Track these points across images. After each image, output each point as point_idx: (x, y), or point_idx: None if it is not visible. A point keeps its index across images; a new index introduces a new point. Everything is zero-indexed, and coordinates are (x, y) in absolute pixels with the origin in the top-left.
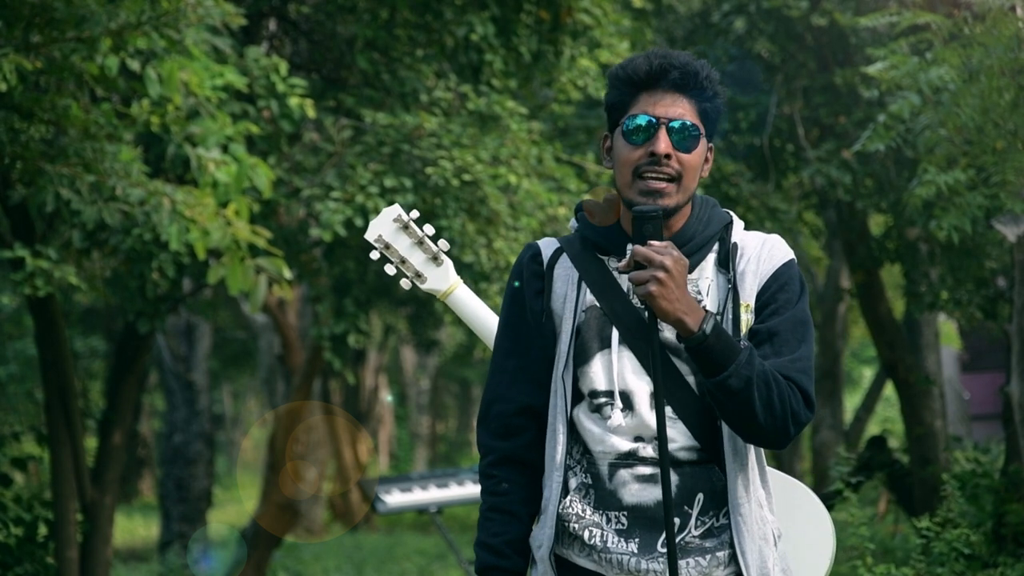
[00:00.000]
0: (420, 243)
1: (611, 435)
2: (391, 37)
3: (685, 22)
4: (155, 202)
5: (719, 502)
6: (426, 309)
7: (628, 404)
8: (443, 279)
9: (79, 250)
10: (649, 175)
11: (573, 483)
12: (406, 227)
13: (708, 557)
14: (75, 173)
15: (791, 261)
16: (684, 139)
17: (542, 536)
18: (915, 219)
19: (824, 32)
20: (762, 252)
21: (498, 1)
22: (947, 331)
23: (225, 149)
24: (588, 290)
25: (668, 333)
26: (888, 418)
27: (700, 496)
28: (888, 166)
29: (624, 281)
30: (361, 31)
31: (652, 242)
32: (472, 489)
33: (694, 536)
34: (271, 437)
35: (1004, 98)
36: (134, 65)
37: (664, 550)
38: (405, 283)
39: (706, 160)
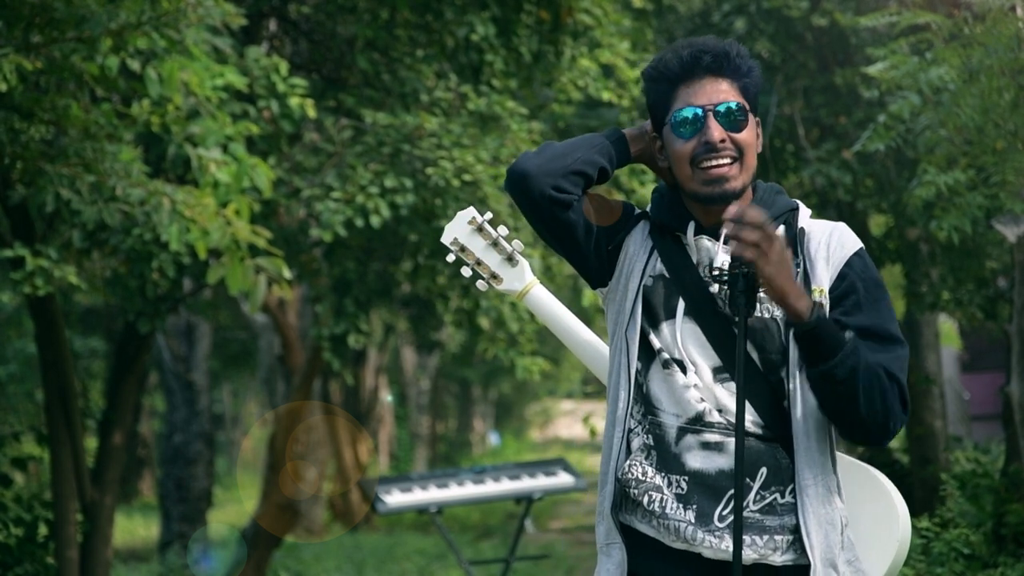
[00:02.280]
0: (495, 244)
1: (685, 392)
2: (391, 37)
3: (685, 22)
4: (155, 202)
5: (783, 479)
6: (427, 310)
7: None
8: (519, 279)
9: (79, 250)
10: (708, 163)
11: (636, 443)
12: (480, 229)
13: (766, 538)
14: (75, 173)
15: (862, 249)
16: (733, 120)
17: (604, 492)
18: (915, 219)
19: (824, 32)
20: (832, 239)
21: (498, 1)
22: (947, 331)
23: (225, 149)
24: (659, 260)
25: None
26: None
27: (763, 470)
28: (888, 166)
29: (695, 254)
30: (361, 31)
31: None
32: (472, 489)
33: (753, 511)
34: (271, 437)
35: (1004, 98)
36: (134, 65)
37: (722, 524)
38: (482, 284)
39: (756, 136)
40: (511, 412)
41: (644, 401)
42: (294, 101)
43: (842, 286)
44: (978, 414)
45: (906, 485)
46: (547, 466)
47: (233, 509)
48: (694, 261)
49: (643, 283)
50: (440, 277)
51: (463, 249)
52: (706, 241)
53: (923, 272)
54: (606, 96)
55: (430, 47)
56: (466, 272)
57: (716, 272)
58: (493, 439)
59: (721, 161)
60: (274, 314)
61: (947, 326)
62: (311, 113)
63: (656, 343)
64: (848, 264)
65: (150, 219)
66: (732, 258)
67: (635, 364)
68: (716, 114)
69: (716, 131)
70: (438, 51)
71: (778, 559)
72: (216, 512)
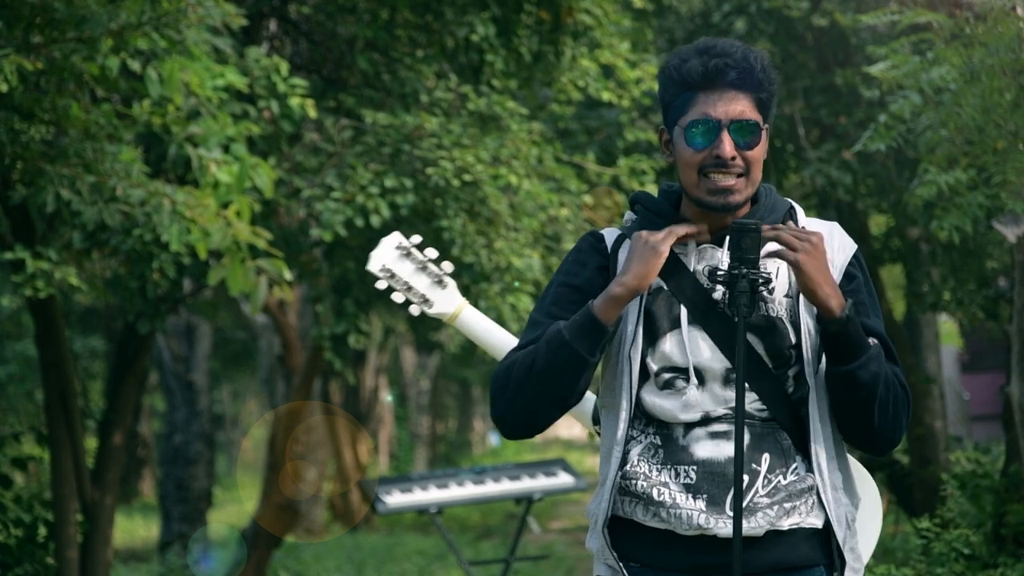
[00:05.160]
0: (424, 268)
1: (684, 409)
2: (391, 37)
3: (686, 22)
4: (155, 203)
5: (786, 459)
6: None
7: (701, 380)
8: (449, 302)
9: (79, 251)
10: (716, 173)
11: (636, 452)
12: (408, 253)
13: (775, 508)
14: (75, 174)
15: (859, 250)
16: (746, 136)
17: (598, 510)
18: (916, 219)
19: (825, 32)
20: (834, 240)
21: (499, 1)
22: (947, 331)
23: (226, 149)
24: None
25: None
26: None
27: (767, 455)
28: (889, 166)
29: (691, 262)
30: (361, 31)
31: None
32: (472, 489)
33: (762, 496)
34: (271, 437)
35: (1005, 98)
36: (135, 65)
37: (732, 512)
38: (414, 309)
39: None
40: None
41: (645, 416)
42: (294, 101)
43: (850, 286)
44: (978, 414)
45: (906, 485)
46: (547, 466)
47: (233, 509)
48: (691, 268)
49: (644, 303)
50: None
51: (392, 275)
52: (708, 247)
53: (924, 272)
54: (606, 96)
55: (430, 47)
56: (397, 298)
57: (718, 274)
58: (493, 439)
59: (728, 177)
60: (274, 314)
61: (947, 326)
62: (311, 113)
63: (656, 363)
64: (852, 264)
65: (150, 220)
66: (731, 260)
67: (635, 384)
68: (731, 130)
69: (728, 146)
70: (438, 51)
71: (785, 523)
72: (216, 512)
